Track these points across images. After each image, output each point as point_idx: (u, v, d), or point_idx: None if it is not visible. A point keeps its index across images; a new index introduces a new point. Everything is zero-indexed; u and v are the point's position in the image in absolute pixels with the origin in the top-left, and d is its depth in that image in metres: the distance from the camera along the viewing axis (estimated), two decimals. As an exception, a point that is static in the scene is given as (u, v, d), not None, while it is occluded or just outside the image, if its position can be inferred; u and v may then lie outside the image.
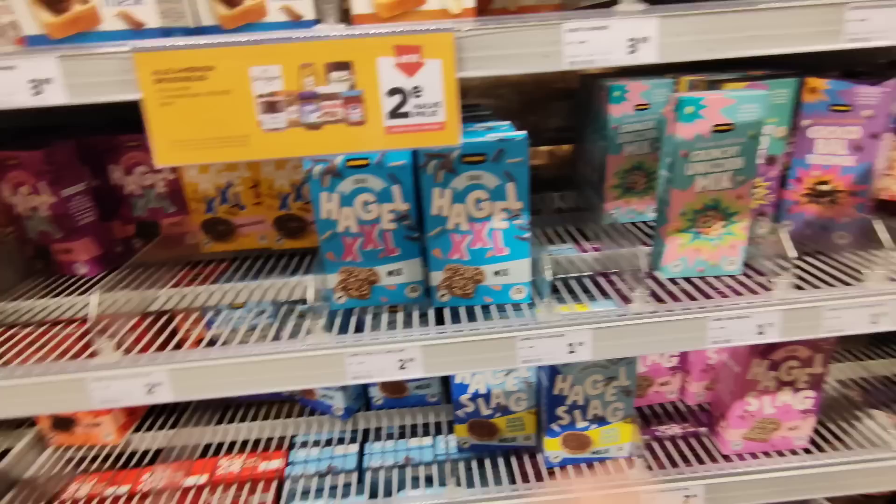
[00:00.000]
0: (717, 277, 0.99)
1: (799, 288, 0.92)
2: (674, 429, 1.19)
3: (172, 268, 1.20)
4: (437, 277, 0.93)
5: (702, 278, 0.99)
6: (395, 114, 0.68)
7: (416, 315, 0.94)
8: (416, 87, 0.67)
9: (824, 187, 1.06)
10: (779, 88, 1.03)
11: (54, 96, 0.66)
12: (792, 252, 0.89)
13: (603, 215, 1.25)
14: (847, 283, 0.93)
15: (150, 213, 1.26)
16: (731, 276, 0.99)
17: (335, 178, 0.87)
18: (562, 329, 0.86)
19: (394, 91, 0.67)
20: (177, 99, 0.65)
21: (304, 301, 1.00)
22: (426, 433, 1.27)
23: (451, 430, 1.22)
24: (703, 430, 1.17)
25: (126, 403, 0.84)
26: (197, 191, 1.19)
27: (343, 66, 0.66)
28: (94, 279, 1.17)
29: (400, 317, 0.93)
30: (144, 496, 1.15)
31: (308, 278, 0.87)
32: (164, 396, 0.84)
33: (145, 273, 1.12)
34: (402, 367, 0.86)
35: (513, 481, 1.07)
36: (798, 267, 1.01)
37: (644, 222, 1.26)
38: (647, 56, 0.71)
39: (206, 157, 0.67)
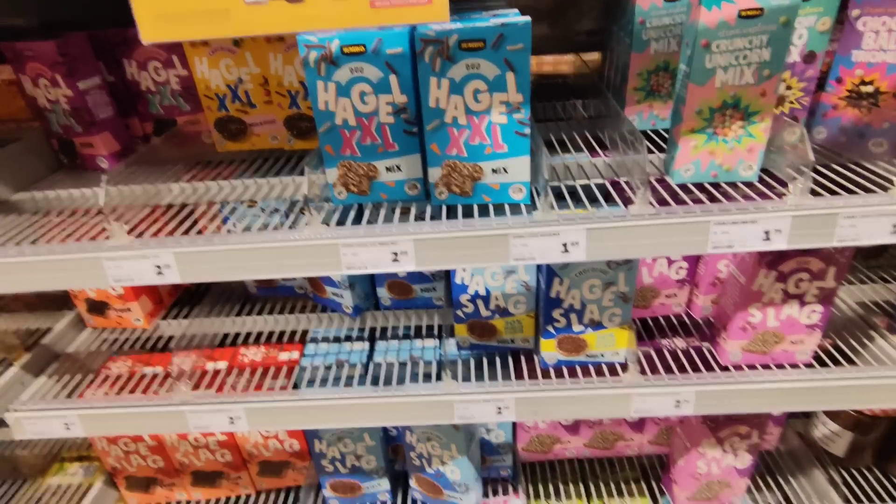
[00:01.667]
0: (730, 184, 0.94)
1: (815, 194, 0.87)
2: (676, 341, 1.19)
3: (188, 165, 1.23)
4: (435, 174, 0.92)
5: (715, 184, 0.95)
6: (379, -14, 0.64)
7: (413, 211, 0.94)
8: (401, -45, 0.63)
9: (866, 88, 0.96)
10: (828, -29, 0.92)
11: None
12: (811, 155, 0.83)
13: (623, 121, 1.19)
14: (871, 192, 0.87)
15: (166, 111, 1.28)
16: (747, 184, 0.94)
17: (330, 66, 0.85)
18: (556, 228, 0.85)
19: (377, -41, 0.63)
20: (156, -32, 0.64)
21: (313, 199, 1.01)
22: (431, 335, 1.31)
23: (453, 333, 1.26)
24: (705, 343, 1.17)
25: (138, 282, 0.89)
26: (208, 87, 1.19)
27: (323, -70, 0.62)
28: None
29: (397, 212, 0.93)
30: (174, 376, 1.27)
31: (306, 172, 0.88)
32: (172, 278, 0.89)
33: (161, 168, 1.15)
34: (394, 260, 0.87)
35: (508, 379, 1.11)
36: (823, 175, 0.95)
37: (665, 130, 1.19)
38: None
39: (189, 32, 0.66)
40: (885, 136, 0.98)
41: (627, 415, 1.06)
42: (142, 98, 1.27)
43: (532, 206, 0.93)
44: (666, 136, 1.16)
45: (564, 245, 0.86)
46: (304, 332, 1.37)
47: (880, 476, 1.37)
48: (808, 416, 1.46)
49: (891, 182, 0.88)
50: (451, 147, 0.89)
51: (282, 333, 1.37)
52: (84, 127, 1.19)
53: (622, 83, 1.19)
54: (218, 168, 1.23)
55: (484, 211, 0.94)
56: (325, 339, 1.34)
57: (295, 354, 1.32)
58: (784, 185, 0.93)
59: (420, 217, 0.92)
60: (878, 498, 1.31)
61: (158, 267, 0.88)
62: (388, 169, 0.94)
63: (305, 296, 1.40)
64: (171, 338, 1.34)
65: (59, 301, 1.37)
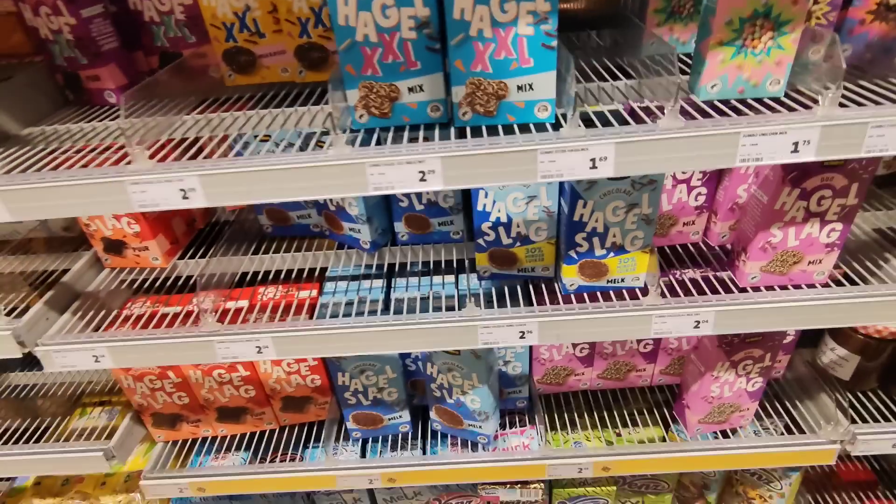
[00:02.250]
0: (757, 100, 0.93)
1: (842, 106, 0.86)
2: (694, 267, 1.20)
3: (196, 100, 1.21)
4: (459, 93, 0.91)
5: (741, 101, 0.94)
6: None
7: (437, 133, 0.93)
8: None
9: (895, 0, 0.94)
10: None
11: None
12: (843, 63, 0.82)
13: (643, 46, 1.16)
14: (899, 102, 0.87)
15: (171, 44, 1.24)
16: (773, 99, 0.93)
17: (351, -23, 0.82)
18: (584, 143, 0.84)
19: None
20: None
21: (328, 132, 1.00)
22: (449, 271, 1.32)
23: (473, 269, 1.26)
24: (723, 269, 1.18)
25: (164, 207, 0.89)
26: (215, 16, 1.15)
27: None
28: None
29: (421, 134, 0.92)
30: (194, 315, 1.27)
31: (329, 91, 0.86)
32: (198, 202, 0.89)
33: (168, 104, 1.13)
34: (422, 179, 0.87)
35: (530, 305, 1.12)
36: (849, 89, 0.94)
37: (686, 54, 1.17)
38: None
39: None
40: (912, 50, 0.97)
41: (648, 336, 1.08)
42: (145, 29, 1.23)
43: (556, 126, 0.92)
44: (687, 60, 1.14)
45: (593, 161, 0.85)
46: (321, 271, 1.38)
47: (884, 398, 1.42)
48: (815, 344, 1.50)
49: (919, 93, 0.88)
50: (475, 63, 0.87)
51: (299, 272, 1.37)
52: (89, 58, 1.15)
53: (642, 7, 1.16)
54: (227, 103, 1.21)
55: (509, 131, 0.92)
56: (344, 277, 1.35)
57: (313, 293, 1.32)
58: (810, 100, 0.93)
59: (444, 136, 0.91)
60: (882, 418, 1.36)
61: (183, 191, 0.88)
62: (410, 89, 0.92)
63: (321, 234, 1.40)
64: (189, 277, 1.34)
65: (75, 242, 1.37)
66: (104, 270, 1.34)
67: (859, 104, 0.88)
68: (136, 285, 1.35)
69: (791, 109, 0.89)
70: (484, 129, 0.93)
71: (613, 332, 1.09)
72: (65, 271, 1.28)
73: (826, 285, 1.09)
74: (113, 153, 1.08)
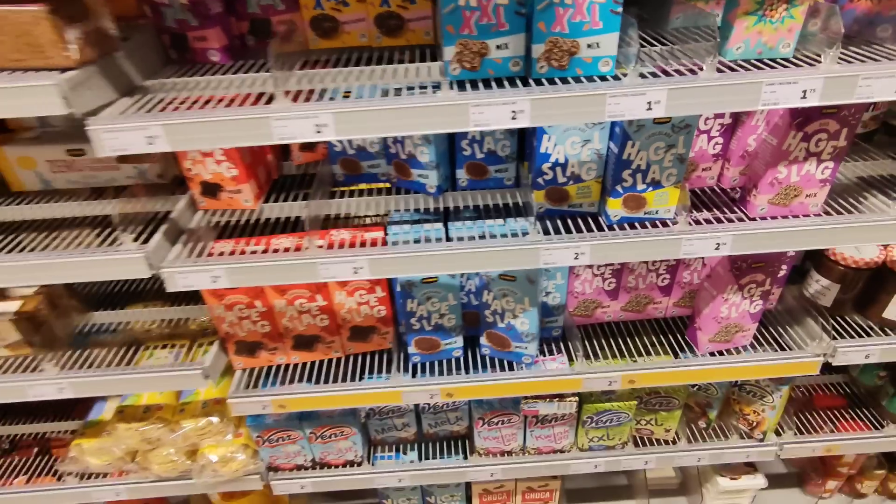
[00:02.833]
0: (772, 60, 1.17)
1: (840, 64, 1.10)
2: (711, 205, 1.44)
3: (291, 61, 1.38)
4: (538, 50, 1.12)
5: (759, 60, 1.17)
6: None
7: (519, 83, 1.14)
8: None
9: (880, -19, 1.19)
10: None
11: None
12: (842, 28, 1.06)
13: (669, 21, 1.39)
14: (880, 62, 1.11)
15: (262, 10, 1.41)
16: (784, 59, 1.17)
17: (462, -49, 1.02)
18: (643, 89, 1.06)
19: None
20: None
21: (411, 88, 1.17)
22: (499, 214, 1.51)
23: (523, 212, 1.46)
24: (735, 208, 1.42)
25: (299, 139, 1.08)
26: (307, -15, 1.33)
27: None
28: (227, 67, 1.36)
29: (506, 84, 1.13)
30: (277, 250, 1.44)
31: (443, 44, 1.06)
32: (329, 135, 1.08)
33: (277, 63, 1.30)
34: (513, 118, 1.08)
35: (580, 233, 1.34)
36: (843, 53, 1.18)
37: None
38: None
39: None
40: (890, 23, 1.22)
41: (678, 255, 1.32)
42: (240, -4, 1.40)
43: (616, 78, 1.14)
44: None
45: (649, 103, 1.08)
46: (384, 216, 1.56)
47: (859, 320, 1.70)
48: (802, 278, 1.77)
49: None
50: (555, 25, 1.08)
51: (367, 216, 1.56)
52: (200, 20, 1.32)
53: (669, -14, 1.38)
54: (315, 65, 1.38)
55: (576, 83, 1.14)
56: (405, 221, 1.54)
57: (379, 234, 1.52)
58: (813, 60, 1.17)
59: (525, 85, 1.12)
60: (857, 335, 1.64)
61: (318, 126, 1.07)
62: (498, 46, 1.13)
63: (388, 180, 1.59)
64: (268, 221, 1.52)
65: (168, 188, 1.53)
66: (198, 212, 1.50)
67: (850, 63, 1.13)
68: (228, 225, 1.52)
69: (798, 66, 1.13)
70: (558, 80, 1.14)
71: (650, 253, 1.32)
72: (168, 213, 1.44)
73: (819, 215, 1.35)
74: (226, 102, 1.25)
